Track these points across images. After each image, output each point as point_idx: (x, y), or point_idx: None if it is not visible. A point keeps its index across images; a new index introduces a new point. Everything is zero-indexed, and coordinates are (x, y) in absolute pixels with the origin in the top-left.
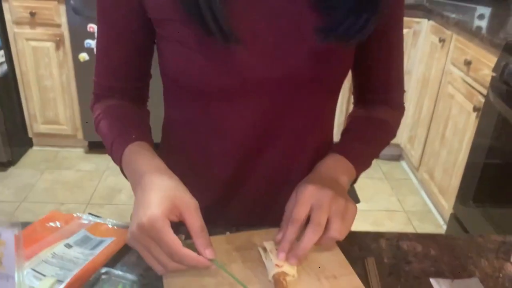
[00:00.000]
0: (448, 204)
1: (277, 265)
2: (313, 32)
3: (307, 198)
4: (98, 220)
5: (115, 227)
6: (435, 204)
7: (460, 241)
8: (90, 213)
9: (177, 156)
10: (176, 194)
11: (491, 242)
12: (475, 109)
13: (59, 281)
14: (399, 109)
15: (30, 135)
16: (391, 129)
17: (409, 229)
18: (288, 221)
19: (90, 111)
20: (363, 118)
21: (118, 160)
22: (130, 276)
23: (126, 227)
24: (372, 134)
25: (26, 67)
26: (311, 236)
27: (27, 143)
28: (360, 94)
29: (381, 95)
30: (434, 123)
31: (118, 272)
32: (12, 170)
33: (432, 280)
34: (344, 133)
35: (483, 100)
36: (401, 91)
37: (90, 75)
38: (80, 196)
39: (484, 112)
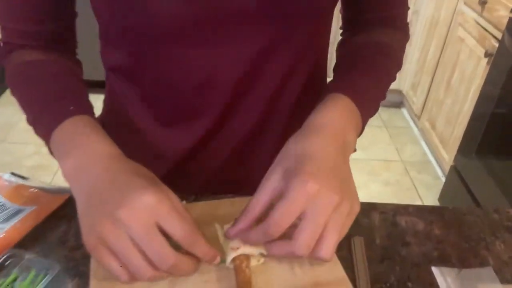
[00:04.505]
0: (448, 156)
1: (232, 248)
2: None
3: (301, 198)
4: (22, 182)
5: (43, 192)
6: (435, 155)
7: (470, 217)
8: (13, 173)
9: (122, 120)
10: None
11: (509, 219)
12: (486, 54)
13: None
14: (403, 30)
15: None
16: (396, 56)
17: (406, 180)
18: (263, 195)
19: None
20: (360, 45)
21: (45, 135)
22: (46, 261)
23: (56, 192)
24: (375, 64)
25: None
26: (283, 249)
27: None
28: (353, 14)
29: (381, 12)
30: (440, 69)
31: (30, 255)
32: None
33: (434, 269)
34: (338, 67)
35: (496, 44)
36: (405, 6)
37: None
38: None
39: (496, 58)
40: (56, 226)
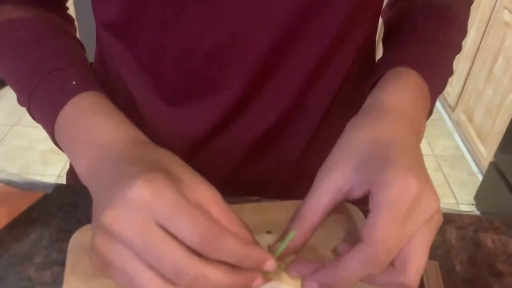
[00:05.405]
0: (487, 151)
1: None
2: None
3: (406, 202)
4: None
5: (10, 187)
6: (471, 149)
7: None
8: None
9: (116, 94)
10: (187, 173)
11: None
12: None
13: None
14: None
15: None
16: (461, 22)
17: (438, 176)
18: (325, 196)
19: None
20: (417, 9)
21: (46, 125)
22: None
23: (27, 187)
24: (440, 32)
25: None
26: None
27: None
28: None
29: None
30: (480, 56)
31: None
32: (5, 90)
33: None
34: (392, 36)
35: None
36: None
37: None
38: None
39: None
40: (24, 235)
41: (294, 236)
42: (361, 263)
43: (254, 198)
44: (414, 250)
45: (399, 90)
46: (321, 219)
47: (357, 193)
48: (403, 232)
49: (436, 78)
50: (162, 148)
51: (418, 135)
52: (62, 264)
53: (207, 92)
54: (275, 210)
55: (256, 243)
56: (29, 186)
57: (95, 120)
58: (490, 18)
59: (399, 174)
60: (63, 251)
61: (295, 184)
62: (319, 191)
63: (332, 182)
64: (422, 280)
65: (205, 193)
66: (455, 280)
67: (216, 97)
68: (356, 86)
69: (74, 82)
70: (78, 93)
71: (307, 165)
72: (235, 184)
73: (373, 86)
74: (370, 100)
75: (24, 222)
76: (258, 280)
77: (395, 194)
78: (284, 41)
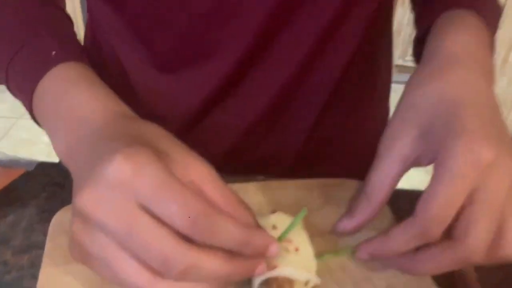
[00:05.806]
0: None
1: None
2: None
3: (472, 172)
4: None
5: None
6: None
7: None
8: None
9: (107, 64)
10: (176, 148)
11: None
12: None
13: None
14: None
15: None
16: None
17: None
18: (391, 168)
19: None
20: None
21: (23, 98)
22: None
23: (8, 164)
24: None
25: None
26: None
27: None
28: None
29: None
30: None
31: None
32: None
33: None
34: None
35: None
36: None
37: None
38: None
39: None
40: (0, 216)
41: (363, 213)
42: (411, 238)
43: (259, 177)
44: (504, 222)
45: (462, 33)
46: (389, 193)
47: (425, 161)
48: (483, 203)
49: (491, 17)
50: (149, 122)
51: (490, 79)
52: (42, 247)
53: (203, 58)
54: (282, 190)
55: (258, 225)
56: (11, 164)
57: (76, 92)
58: (504, 6)
59: (467, 143)
60: (45, 233)
61: (304, 161)
62: (385, 162)
63: (398, 150)
64: (452, 278)
65: (197, 170)
66: (489, 274)
67: (212, 64)
68: (371, 54)
69: (54, 52)
70: (58, 63)
71: (317, 140)
72: (237, 163)
73: (419, 39)
74: (431, 49)
75: (1, 201)
76: (261, 267)
77: (461, 167)
78: (289, 2)
